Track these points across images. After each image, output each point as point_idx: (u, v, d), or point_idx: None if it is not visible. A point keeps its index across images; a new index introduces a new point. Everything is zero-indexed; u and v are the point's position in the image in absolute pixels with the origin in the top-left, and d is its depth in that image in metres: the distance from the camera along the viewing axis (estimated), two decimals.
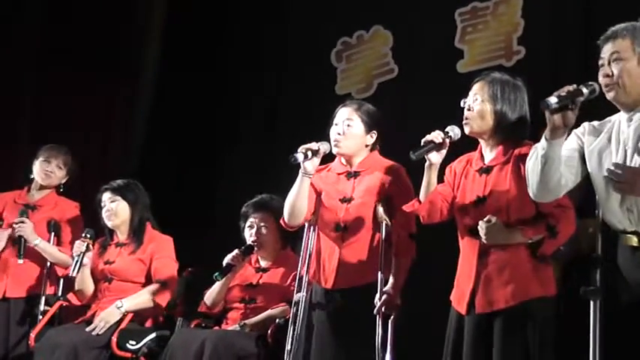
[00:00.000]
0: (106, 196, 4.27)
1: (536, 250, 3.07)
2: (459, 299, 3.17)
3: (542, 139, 2.80)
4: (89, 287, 4.34)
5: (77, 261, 4.20)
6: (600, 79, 2.74)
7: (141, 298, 4.23)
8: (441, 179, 3.33)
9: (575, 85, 2.72)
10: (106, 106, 6.16)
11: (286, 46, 5.81)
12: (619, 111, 2.78)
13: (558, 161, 2.82)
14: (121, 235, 4.32)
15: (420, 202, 3.29)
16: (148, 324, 4.37)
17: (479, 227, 3.08)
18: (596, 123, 2.85)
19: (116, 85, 6.14)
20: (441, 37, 5.08)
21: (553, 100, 2.67)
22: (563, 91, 2.71)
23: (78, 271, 4.23)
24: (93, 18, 6.05)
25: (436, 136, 3.22)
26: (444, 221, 3.29)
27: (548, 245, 3.02)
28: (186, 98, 6.17)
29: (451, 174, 3.31)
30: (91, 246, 4.27)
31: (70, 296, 4.39)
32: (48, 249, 4.44)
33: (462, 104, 3.20)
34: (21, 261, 4.41)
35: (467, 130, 3.19)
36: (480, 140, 3.20)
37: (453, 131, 3.23)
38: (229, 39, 6.17)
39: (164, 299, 4.23)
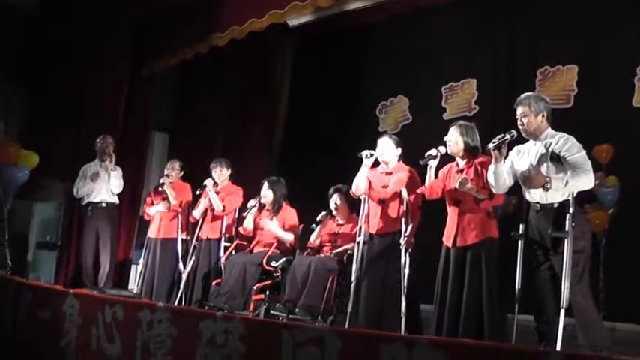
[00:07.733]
0: (264, 186, 5.55)
1: (481, 206, 3.83)
2: (447, 239, 3.98)
3: (492, 165, 3.58)
4: (250, 226, 5.54)
5: (248, 209, 5.55)
6: (519, 125, 3.56)
7: (286, 236, 5.39)
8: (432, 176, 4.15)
9: (502, 135, 3.46)
10: (259, 138, 8.03)
11: (355, 105, 7.36)
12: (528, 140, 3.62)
13: (503, 174, 3.56)
14: (269, 207, 5.55)
15: (425, 187, 4.20)
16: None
17: (458, 181, 3.76)
18: (518, 147, 3.62)
19: (262, 123, 8.08)
20: (434, 101, 6.66)
21: (491, 145, 3.47)
22: (496, 139, 3.46)
23: (247, 214, 5.52)
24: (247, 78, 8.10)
25: (433, 151, 4.17)
26: (437, 199, 4.13)
27: (487, 203, 3.88)
28: (303, 129, 7.87)
29: (442, 174, 4.15)
30: (257, 205, 5.54)
31: (240, 228, 5.64)
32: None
33: (444, 139, 4.09)
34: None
35: (449, 151, 4.07)
36: (455, 157, 4.07)
37: (441, 150, 4.17)
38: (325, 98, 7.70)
39: (291, 244, 5.42)
